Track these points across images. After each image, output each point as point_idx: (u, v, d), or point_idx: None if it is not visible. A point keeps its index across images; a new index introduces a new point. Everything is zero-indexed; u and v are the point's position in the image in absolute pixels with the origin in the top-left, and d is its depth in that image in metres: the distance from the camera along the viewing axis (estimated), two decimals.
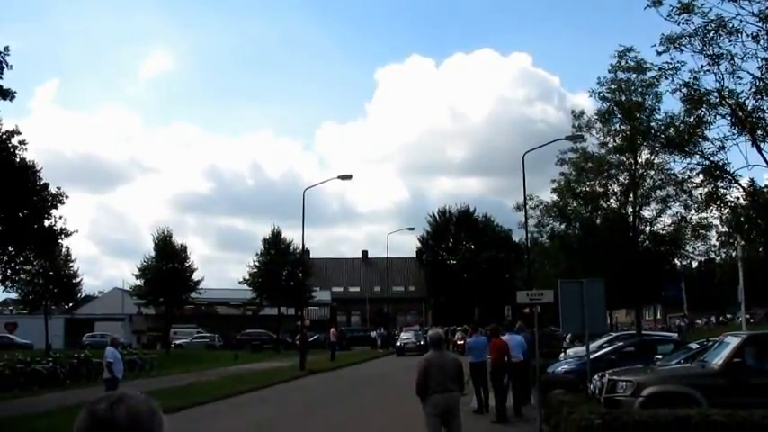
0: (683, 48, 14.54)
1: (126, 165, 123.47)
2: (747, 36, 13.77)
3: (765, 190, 16.08)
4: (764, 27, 13.69)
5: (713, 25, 13.91)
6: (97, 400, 1.76)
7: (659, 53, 14.76)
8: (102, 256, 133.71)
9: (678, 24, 14.23)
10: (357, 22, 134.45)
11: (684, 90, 14.96)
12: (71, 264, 46.07)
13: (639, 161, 25.23)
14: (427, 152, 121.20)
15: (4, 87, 20.29)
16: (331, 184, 55.05)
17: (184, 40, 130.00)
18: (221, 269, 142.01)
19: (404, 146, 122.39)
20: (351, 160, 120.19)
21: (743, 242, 21.42)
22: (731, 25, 13.81)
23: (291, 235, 61.89)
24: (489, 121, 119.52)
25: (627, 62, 23.01)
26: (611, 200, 27.21)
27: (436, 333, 10.38)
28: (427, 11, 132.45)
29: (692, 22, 14.21)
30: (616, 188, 26.76)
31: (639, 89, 23.48)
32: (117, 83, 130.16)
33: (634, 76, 23.44)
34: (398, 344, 49.66)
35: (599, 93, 24.00)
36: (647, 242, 26.94)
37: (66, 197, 22.74)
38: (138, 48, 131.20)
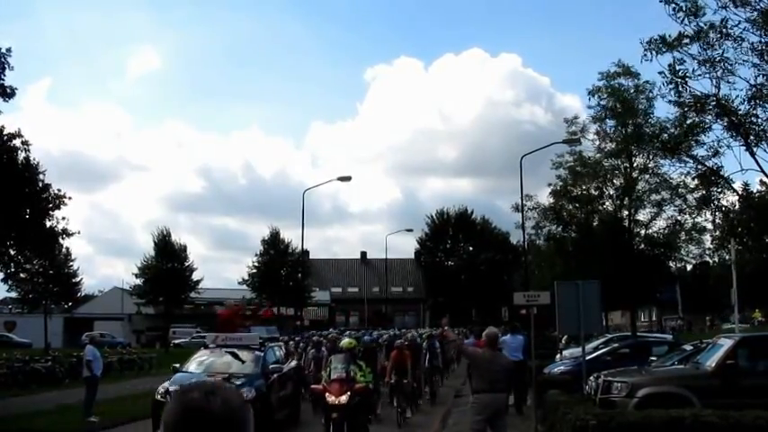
0: (680, 52, 14.50)
1: (116, 163, 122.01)
2: (749, 44, 13.82)
3: (757, 194, 16.23)
4: (760, 34, 13.80)
5: (716, 32, 13.87)
6: (188, 389, 1.68)
7: (654, 53, 14.59)
8: (96, 256, 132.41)
9: (681, 23, 14.15)
10: (346, 22, 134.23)
11: (685, 95, 14.95)
12: (71, 263, 46.09)
13: (634, 165, 25.48)
14: (418, 152, 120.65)
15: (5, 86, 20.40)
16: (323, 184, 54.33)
17: (173, 39, 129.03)
18: (215, 269, 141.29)
19: (394, 146, 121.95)
20: (343, 160, 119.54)
21: (737, 246, 21.63)
22: (734, 32, 13.81)
23: (286, 235, 61.53)
24: (479, 122, 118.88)
25: (616, 69, 23.37)
26: (607, 203, 27.46)
27: (493, 331, 10.22)
28: (415, 12, 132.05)
29: (689, 25, 14.20)
30: (611, 191, 27.00)
31: (632, 93, 23.78)
32: (106, 81, 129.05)
33: (624, 81, 23.79)
34: None
35: (597, 91, 24.35)
36: (642, 245, 27.17)
37: (69, 198, 22.74)
38: (126, 46, 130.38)
